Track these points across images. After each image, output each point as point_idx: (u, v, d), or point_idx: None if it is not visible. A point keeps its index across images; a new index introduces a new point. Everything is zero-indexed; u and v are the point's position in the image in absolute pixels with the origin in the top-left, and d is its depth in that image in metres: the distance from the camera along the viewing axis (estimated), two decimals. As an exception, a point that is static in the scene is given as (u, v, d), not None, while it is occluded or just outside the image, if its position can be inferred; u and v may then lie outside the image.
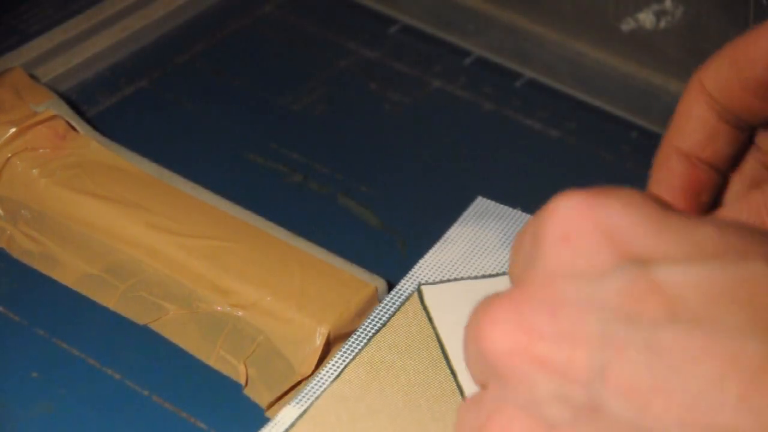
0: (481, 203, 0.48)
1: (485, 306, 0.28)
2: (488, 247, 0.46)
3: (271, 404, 0.45)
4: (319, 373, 0.42)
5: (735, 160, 0.38)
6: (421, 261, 0.46)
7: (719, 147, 0.37)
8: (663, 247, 0.26)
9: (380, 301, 0.45)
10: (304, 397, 0.41)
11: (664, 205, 0.27)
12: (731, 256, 0.26)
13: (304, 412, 0.40)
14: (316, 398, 0.41)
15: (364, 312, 0.46)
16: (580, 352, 0.26)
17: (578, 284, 0.26)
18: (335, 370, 0.42)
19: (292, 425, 0.40)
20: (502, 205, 0.48)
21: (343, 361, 0.42)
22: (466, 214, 0.48)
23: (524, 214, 0.48)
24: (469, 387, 0.41)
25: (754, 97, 0.36)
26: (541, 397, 0.26)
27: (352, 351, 0.42)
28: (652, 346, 0.25)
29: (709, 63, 0.37)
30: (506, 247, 0.46)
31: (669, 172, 0.38)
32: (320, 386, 0.41)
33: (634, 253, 0.26)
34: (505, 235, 0.47)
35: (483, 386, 0.29)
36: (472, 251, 0.46)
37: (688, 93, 0.37)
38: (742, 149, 0.38)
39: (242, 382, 0.46)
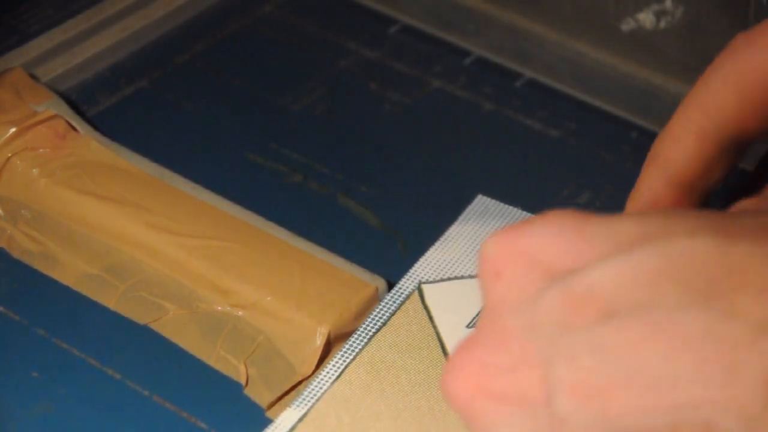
0: (481, 201, 0.48)
1: (449, 359, 0.29)
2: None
3: (272, 404, 0.45)
4: (320, 374, 0.42)
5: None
6: (422, 260, 0.46)
7: (715, 175, 0.38)
8: (584, 254, 0.27)
9: (380, 301, 0.45)
10: (304, 399, 0.41)
11: (583, 216, 0.28)
12: (653, 241, 0.26)
13: (305, 415, 0.40)
14: (317, 400, 0.41)
15: (364, 312, 0.46)
16: (533, 376, 0.26)
17: (517, 313, 0.27)
18: (336, 371, 0.42)
19: (293, 429, 0.40)
20: (502, 204, 0.48)
21: (344, 361, 0.42)
22: (466, 212, 0.48)
23: (524, 212, 0.48)
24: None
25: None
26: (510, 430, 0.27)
27: (353, 351, 0.42)
28: (596, 346, 0.25)
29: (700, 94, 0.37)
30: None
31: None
32: (320, 388, 0.41)
33: (558, 270, 0.27)
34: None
35: None
36: (472, 249, 0.46)
37: (685, 123, 0.37)
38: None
39: (242, 382, 0.46)
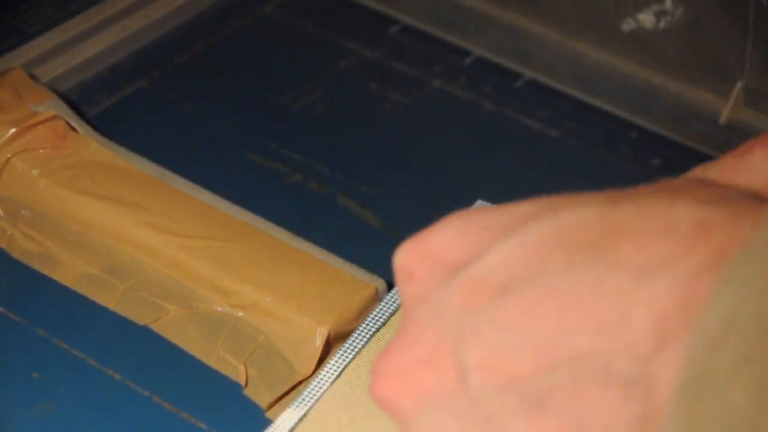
0: (479, 206, 0.48)
1: (372, 365, 0.30)
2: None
3: (272, 404, 0.45)
4: (319, 374, 0.42)
5: None
6: (421, 261, 0.46)
7: None
8: (484, 243, 0.28)
9: (380, 301, 0.45)
10: (304, 399, 0.41)
11: (483, 209, 0.29)
12: (541, 217, 0.27)
13: (305, 415, 0.40)
14: (317, 401, 0.41)
15: (364, 312, 0.46)
16: (446, 363, 0.27)
17: (426, 308, 0.28)
18: (335, 371, 0.42)
19: (293, 429, 0.40)
20: (500, 207, 0.48)
21: (343, 361, 0.42)
22: (465, 215, 0.47)
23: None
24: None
25: None
26: (435, 421, 0.28)
27: (353, 351, 0.42)
28: (495, 321, 0.26)
29: None
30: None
31: None
32: (320, 387, 0.41)
33: (457, 262, 0.28)
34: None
35: None
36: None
37: None
38: None
39: (242, 382, 0.46)
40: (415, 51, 0.63)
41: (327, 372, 0.42)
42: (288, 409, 0.41)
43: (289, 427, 0.40)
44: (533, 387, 0.25)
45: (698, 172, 0.37)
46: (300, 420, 0.40)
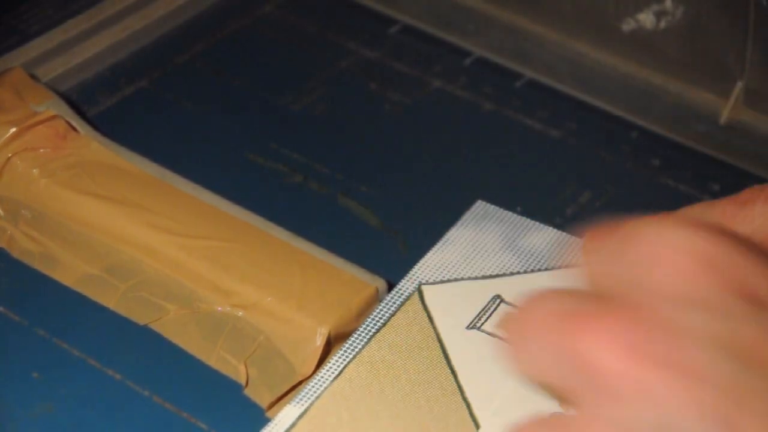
0: (480, 206, 0.48)
1: (582, 319, 0.27)
2: (488, 248, 0.46)
3: (272, 404, 0.45)
4: (320, 372, 0.42)
5: None
6: (422, 261, 0.46)
7: None
8: None
9: (381, 301, 0.45)
10: (304, 396, 0.41)
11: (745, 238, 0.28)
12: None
13: (305, 411, 0.40)
14: (317, 398, 0.41)
15: (364, 312, 0.46)
16: (701, 392, 0.26)
17: (692, 315, 0.26)
18: (336, 369, 0.42)
19: (293, 425, 0.40)
20: (501, 209, 0.48)
21: (344, 359, 0.42)
22: (465, 216, 0.48)
23: (523, 218, 0.48)
24: (470, 386, 0.41)
25: None
26: (642, 424, 0.26)
27: (353, 350, 0.43)
28: None
29: None
30: (505, 249, 0.46)
31: None
32: (321, 385, 0.41)
33: (747, 291, 0.27)
34: (504, 237, 0.47)
35: (563, 398, 0.29)
36: (471, 252, 0.46)
37: None
38: None
39: (243, 382, 0.46)
40: (415, 51, 0.63)
41: (328, 370, 0.42)
42: (288, 405, 0.41)
43: (289, 423, 0.40)
44: None
45: (698, 209, 0.37)
46: (300, 416, 0.40)
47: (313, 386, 0.41)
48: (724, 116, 0.58)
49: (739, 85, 0.57)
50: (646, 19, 0.59)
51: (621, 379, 0.26)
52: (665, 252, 0.28)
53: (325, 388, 0.41)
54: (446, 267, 0.45)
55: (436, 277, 0.45)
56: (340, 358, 0.42)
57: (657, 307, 0.27)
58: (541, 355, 0.28)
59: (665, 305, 0.27)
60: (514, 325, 0.30)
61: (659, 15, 0.58)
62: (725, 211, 0.36)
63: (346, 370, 0.42)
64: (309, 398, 0.41)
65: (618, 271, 0.29)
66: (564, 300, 0.28)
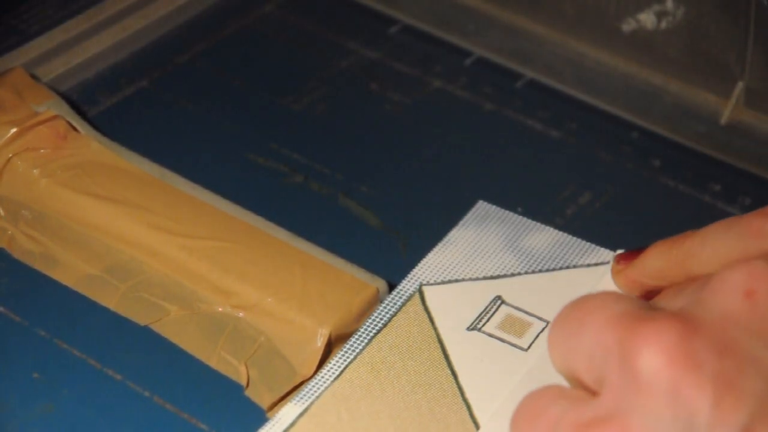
0: (481, 207, 0.48)
1: (645, 318, 0.29)
2: (489, 249, 0.46)
3: (272, 405, 0.45)
4: (321, 372, 0.42)
5: None
6: (422, 262, 0.46)
7: None
8: None
9: (381, 302, 0.45)
10: (305, 395, 0.41)
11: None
12: None
13: (305, 410, 0.40)
14: (317, 397, 0.41)
15: (365, 313, 0.46)
16: (729, 401, 0.27)
17: (751, 341, 0.28)
18: (336, 370, 0.42)
19: (293, 423, 0.40)
20: (502, 209, 0.48)
21: (344, 360, 0.42)
22: (467, 217, 0.48)
23: (525, 219, 0.48)
24: (470, 387, 0.41)
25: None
26: (668, 423, 0.27)
27: (353, 351, 0.42)
28: None
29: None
30: (507, 250, 0.46)
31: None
32: (321, 385, 0.41)
33: None
34: (505, 238, 0.47)
35: (588, 387, 0.30)
36: (472, 253, 0.46)
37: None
38: None
39: (243, 383, 0.46)
40: (416, 51, 0.63)
41: (328, 370, 0.42)
42: (289, 404, 0.41)
43: (289, 421, 0.40)
44: None
45: (724, 224, 0.38)
46: (300, 415, 0.40)
47: (313, 386, 0.41)
48: (724, 116, 0.58)
49: (740, 85, 0.57)
50: (647, 19, 0.59)
51: (656, 375, 0.27)
52: (737, 276, 0.29)
53: (326, 388, 0.41)
54: (447, 268, 0.45)
55: (437, 278, 0.45)
56: (340, 358, 0.42)
57: (712, 322, 0.28)
58: (590, 344, 0.30)
59: (721, 322, 0.28)
60: (573, 313, 0.31)
61: (660, 15, 0.58)
62: (750, 225, 0.38)
63: (346, 370, 0.42)
64: (309, 397, 0.41)
65: (684, 292, 0.30)
66: (627, 301, 0.30)
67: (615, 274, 0.43)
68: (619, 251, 0.44)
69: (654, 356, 0.28)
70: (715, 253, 0.40)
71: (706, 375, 0.27)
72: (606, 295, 0.31)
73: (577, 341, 0.31)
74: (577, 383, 0.32)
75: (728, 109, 0.58)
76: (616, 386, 0.29)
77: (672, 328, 0.28)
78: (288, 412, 0.40)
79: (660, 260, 0.41)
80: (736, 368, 0.27)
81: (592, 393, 0.30)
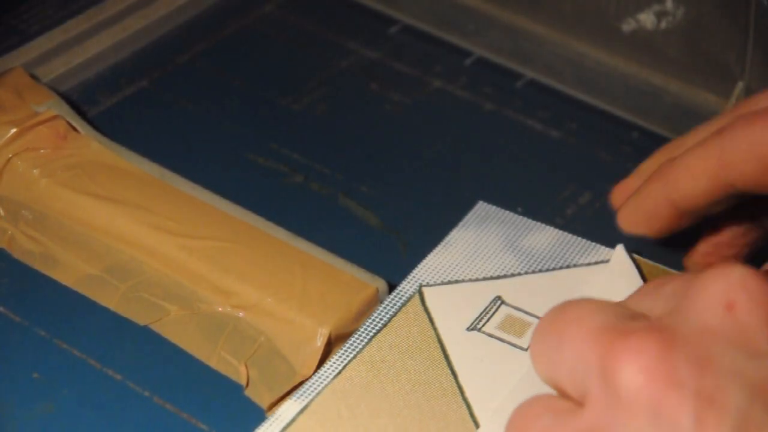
0: (481, 208, 0.48)
1: (624, 333, 0.28)
2: (489, 250, 0.46)
3: (272, 405, 0.45)
4: (321, 370, 0.42)
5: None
6: (423, 263, 0.46)
7: (714, 209, 0.42)
8: None
9: (381, 302, 0.45)
10: (305, 392, 0.41)
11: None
12: None
13: (305, 407, 0.40)
14: (317, 394, 0.41)
15: (364, 313, 0.46)
16: (712, 417, 0.26)
17: (733, 353, 0.27)
18: (336, 368, 0.42)
19: (293, 420, 0.40)
20: (502, 210, 0.48)
21: (345, 358, 0.42)
22: (467, 218, 0.48)
23: (525, 219, 0.48)
24: (470, 387, 0.41)
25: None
26: None
27: (354, 349, 0.43)
28: None
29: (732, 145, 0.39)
30: (507, 250, 0.46)
31: (657, 219, 0.43)
32: (321, 382, 0.41)
33: None
34: (506, 239, 0.47)
35: (572, 396, 0.30)
36: (473, 254, 0.46)
37: (703, 165, 0.40)
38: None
39: (243, 383, 0.46)
40: (416, 51, 0.63)
41: (328, 368, 0.42)
42: (289, 400, 0.41)
43: (289, 418, 0.40)
44: None
45: (699, 133, 0.39)
46: (300, 411, 0.40)
47: (313, 383, 0.41)
48: (724, 116, 0.58)
49: (740, 85, 0.57)
50: (647, 19, 0.59)
51: (637, 393, 0.27)
52: (715, 288, 0.29)
53: (326, 385, 0.41)
54: (447, 269, 0.45)
55: (437, 279, 0.45)
56: (340, 356, 0.42)
57: (692, 337, 0.28)
58: (571, 359, 0.29)
59: (701, 336, 0.28)
60: (552, 326, 0.31)
61: (660, 15, 0.58)
62: (730, 108, 0.38)
63: (346, 368, 0.42)
64: (309, 394, 0.41)
65: (666, 301, 0.30)
66: (605, 312, 0.29)
67: (615, 198, 0.45)
68: (619, 246, 0.45)
69: (634, 374, 0.28)
70: (697, 137, 0.40)
71: (688, 392, 0.27)
72: (585, 304, 0.31)
73: (558, 355, 0.30)
74: (563, 393, 0.31)
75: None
76: (598, 402, 0.28)
77: (651, 344, 0.28)
78: (288, 408, 0.40)
79: (652, 163, 0.42)
80: (717, 383, 0.27)
81: (579, 404, 0.30)
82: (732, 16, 0.56)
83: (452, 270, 0.45)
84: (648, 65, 0.60)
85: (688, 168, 0.40)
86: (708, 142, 0.40)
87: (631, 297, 0.34)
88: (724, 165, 0.39)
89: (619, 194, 0.46)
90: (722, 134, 0.39)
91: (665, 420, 0.27)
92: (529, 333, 0.43)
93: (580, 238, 0.47)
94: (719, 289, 0.28)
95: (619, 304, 0.32)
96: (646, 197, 0.42)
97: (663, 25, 0.58)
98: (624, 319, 0.29)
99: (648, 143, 0.58)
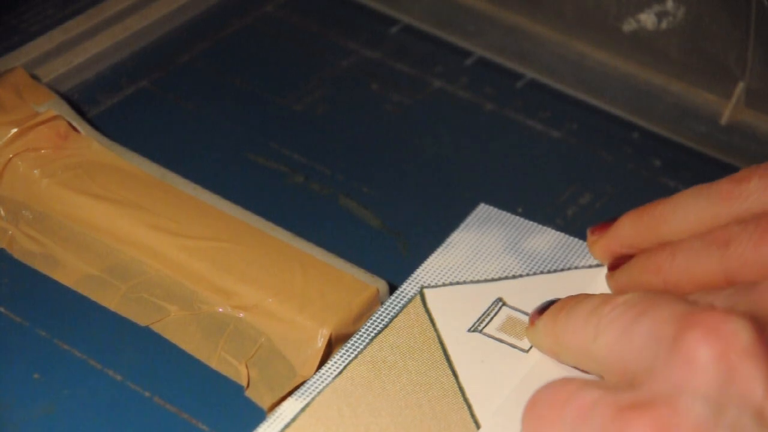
0: (483, 209, 0.48)
1: (698, 312, 0.29)
2: (490, 252, 0.46)
3: (273, 406, 0.45)
4: (322, 370, 0.42)
5: None
6: (424, 264, 0.46)
7: None
8: None
9: (381, 303, 0.45)
10: (306, 391, 0.41)
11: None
12: None
13: (306, 406, 0.40)
14: (318, 393, 0.41)
15: (365, 313, 0.46)
16: None
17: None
18: (337, 367, 0.42)
19: (294, 419, 0.40)
20: (503, 212, 0.48)
21: (346, 358, 0.42)
22: (468, 219, 0.48)
23: (527, 221, 0.48)
24: (471, 388, 0.41)
25: None
26: (717, 405, 0.28)
27: (355, 349, 0.43)
28: None
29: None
30: (508, 252, 0.46)
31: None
32: (323, 381, 0.41)
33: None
34: (507, 241, 0.47)
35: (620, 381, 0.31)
36: (474, 256, 0.46)
37: (705, 272, 0.41)
38: None
39: (243, 383, 0.46)
40: (416, 51, 0.63)
41: (329, 367, 0.42)
42: (290, 399, 0.41)
43: (290, 417, 0.40)
44: None
45: (694, 190, 0.39)
46: (301, 411, 0.40)
47: (314, 382, 0.41)
48: (725, 117, 0.58)
49: (741, 85, 0.57)
50: (648, 19, 0.59)
51: (709, 361, 0.29)
52: (707, 345, 0.29)
53: (327, 385, 0.41)
54: (448, 270, 0.45)
55: (438, 281, 0.45)
56: (341, 356, 0.42)
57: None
58: (644, 337, 0.30)
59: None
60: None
61: (660, 15, 0.58)
62: (720, 190, 0.37)
63: (347, 368, 0.42)
64: (310, 393, 0.41)
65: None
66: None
67: (590, 245, 0.44)
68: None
69: (709, 345, 0.28)
70: (686, 218, 0.40)
71: (762, 363, 0.28)
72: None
73: (631, 335, 0.31)
74: (612, 374, 0.32)
75: (729, 110, 0.58)
76: (663, 374, 0.29)
77: (726, 319, 0.29)
78: (289, 407, 0.40)
79: (632, 227, 0.42)
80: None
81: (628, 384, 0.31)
82: (732, 16, 0.56)
83: (453, 271, 0.45)
84: (648, 65, 0.60)
85: (688, 272, 0.40)
86: (711, 251, 0.39)
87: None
88: (728, 277, 0.39)
89: (596, 241, 0.46)
90: (728, 249, 0.38)
91: (735, 390, 0.27)
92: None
93: (581, 241, 0.47)
94: (710, 345, 0.29)
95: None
96: (639, 281, 0.42)
97: (664, 25, 0.58)
98: (693, 305, 0.30)
99: (649, 143, 0.58)
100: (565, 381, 0.32)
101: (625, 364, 0.31)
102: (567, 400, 0.31)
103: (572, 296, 0.38)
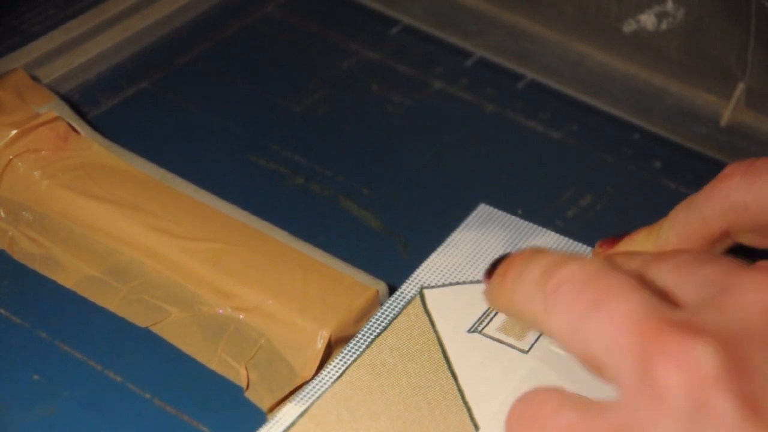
0: (483, 210, 0.48)
1: (666, 327, 0.29)
2: (490, 252, 0.46)
3: (273, 407, 0.45)
4: (321, 373, 0.42)
5: None
6: (423, 265, 0.46)
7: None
8: None
9: (382, 305, 0.45)
10: (305, 395, 0.41)
11: None
12: None
13: (305, 410, 0.40)
14: (318, 397, 0.41)
15: (365, 315, 0.46)
16: (754, 421, 0.27)
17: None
18: (337, 371, 0.42)
19: (293, 423, 0.40)
20: (503, 212, 0.48)
21: (345, 362, 0.42)
22: (468, 219, 0.48)
23: (527, 222, 0.48)
24: (470, 390, 0.41)
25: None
26: None
27: (354, 353, 0.43)
28: None
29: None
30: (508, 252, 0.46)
31: None
32: (322, 386, 0.41)
33: None
34: (506, 241, 0.47)
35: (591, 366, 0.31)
36: (474, 256, 0.46)
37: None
38: None
39: (243, 385, 0.46)
40: (417, 52, 0.63)
41: (329, 371, 0.42)
42: (289, 404, 0.41)
43: (290, 421, 0.40)
44: None
45: (686, 200, 0.39)
46: (301, 415, 0.40)
47: (313, 386, 0.41)
48: (725, 118, 0.58)
49: (741, 86, 0.57)
50: (648, 20, 0.59)
51: (678, 392, 0.28)
52: (758, 297, 0.29)
53: (326, 389, 0.41)
54: (448, 270, 0.45)
55: (438, 281, 0.45)
56: (341, 360, 0.42)
57: (734, 339, 0.28)
58: (606, 334, 0.30)
59: (743, 340, 0.28)
60: (588, 286, 0.31)
61: (660, 16, 0.58)
62: (704, 192, 0.38)
63: (347, 371, 0.42)
64: (310, 398, 0.41)
65: (698, 277, 0.30)
66: (642, 293, 0.30)
67: (595, 255, 0.44)
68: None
69: (677, 373, 0.28)
70: (673, 229, 0.40)
71: (732, 395, 0.27)
72: (623, 277, 0.31)
73: (591, 325, 0.30)
74: (584, 357, 0.31)
75: (729, 111, 0.58)
76: (631, 397, 0.28)
77: (694, 343, 0.28)
78: (288, 412, 0.40)
79: (641, 247, 0.42)
80: (760, 389, 0.27)
81: (601, 403, 0.30)
82: (733, 17, 0.56)
83: (453, 272, 0.45)
84: (649, 66, 0.60)
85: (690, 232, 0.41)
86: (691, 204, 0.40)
87: (656, 261, 0.33)
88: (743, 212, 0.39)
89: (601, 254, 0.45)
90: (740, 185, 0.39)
91: (707, 421, 0.27)
92: (529, 335, 0.43)
93: (580, 244, 0.47)
94: (762, 297, 0.29)
95: (647, 273, 0.32)
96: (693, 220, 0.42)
97: (664, 26, 0.58)
98: (662, 306, 0.29)
99: (649, 144, 0.58)
100: (545, 397, 0.31)
101: (585, 357, 0.31)
102: (544, 426, 0.31)
103: (517, 255, 0.36)
